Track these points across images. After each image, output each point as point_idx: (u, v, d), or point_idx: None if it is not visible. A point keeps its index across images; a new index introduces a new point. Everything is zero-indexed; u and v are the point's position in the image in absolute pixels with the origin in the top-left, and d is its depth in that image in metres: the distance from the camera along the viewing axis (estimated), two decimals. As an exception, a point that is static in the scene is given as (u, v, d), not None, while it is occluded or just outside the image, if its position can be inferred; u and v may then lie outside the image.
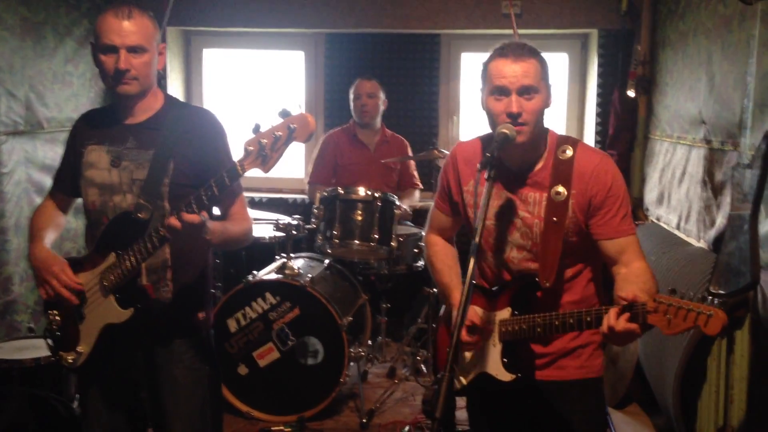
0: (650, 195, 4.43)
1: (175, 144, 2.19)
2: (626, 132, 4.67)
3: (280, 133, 1.91)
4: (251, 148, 1.92)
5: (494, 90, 2.03)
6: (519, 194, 2.12)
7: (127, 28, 2.12)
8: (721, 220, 3.21)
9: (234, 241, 2.27)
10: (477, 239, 1.85)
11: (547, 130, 2.15)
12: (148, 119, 2.25)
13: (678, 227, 3.86)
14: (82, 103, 4.36)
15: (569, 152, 2.08)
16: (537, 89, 2.01)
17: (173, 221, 1.94)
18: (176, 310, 2.25)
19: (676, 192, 3.94)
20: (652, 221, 4.35)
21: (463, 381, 2.18)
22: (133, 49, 2.14)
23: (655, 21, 4.49)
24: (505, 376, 2.08)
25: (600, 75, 4.91)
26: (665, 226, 4.09)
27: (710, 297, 1.64)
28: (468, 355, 2.16)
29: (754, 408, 2.80)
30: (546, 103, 2.06)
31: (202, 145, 2.22)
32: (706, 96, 3.47)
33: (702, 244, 3.48)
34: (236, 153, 2.00)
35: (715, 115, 3.34)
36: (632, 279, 1.98)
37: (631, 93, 4.61)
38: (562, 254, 2.08)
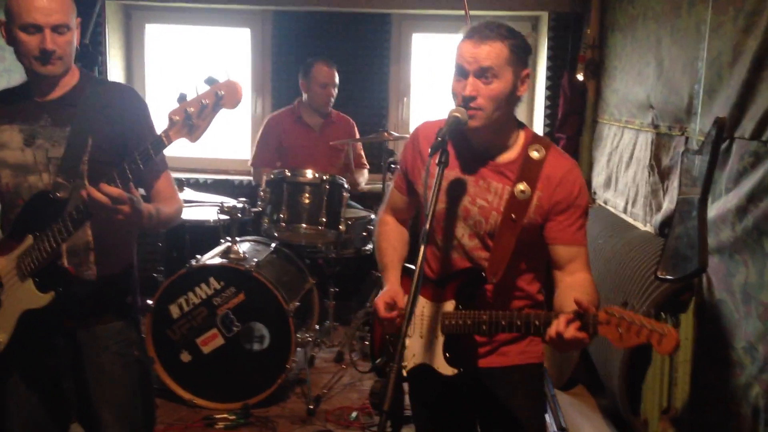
0: (598, 179, 4.46)
1: (93, 120, 2.10)
2: (575, 115, 4.68)
3: (207, 100, 1.85)
4: (176, 117, 1.85)
5: (455, 69, 1.96)
6: (482, 180, 2.06)
7: (50, 5, 2.00)
8: (667, 205, 3.24)
9: (166, 222, 2.18)
10: (428, 225, 1.80)
11: (521, 123, 2.09)
12: (63, 95, 2.14)
13: (625, 211, 3.89)
14: (14, 80, 4.12)
15: (540, 153, 2.02)
16: (496, 73, 1.91)
17: (92, 191, 1.83)
18: (101, 295, 2.15)
19: (623, 176, 3.97)
20: (599, 205, 4.38)
21: (403, 369, 2.14)
22: (57, 28, 2.02)
23: (605, 5, 4.49)
24: (447, 370, 2.04)
25: (550, 58, 4.91)
26: (612, 210, 4.12)
27: (663, 313, 1.64)
28: (409, 342, 2.11)
29: (698, 390, 2.84)
30: (510, 90, 1.95)
31: (122, 121, 2.12)
32: (654, 81, 3.48)
33: (648, 228, 3.51)
34: (163, 126, 1.92)
35: (663, 100, 3.36)
36: (577, 288, 1.95)
37: (580, 77, 4.62)
38: (515, 252, 2.03)
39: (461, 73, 1.94)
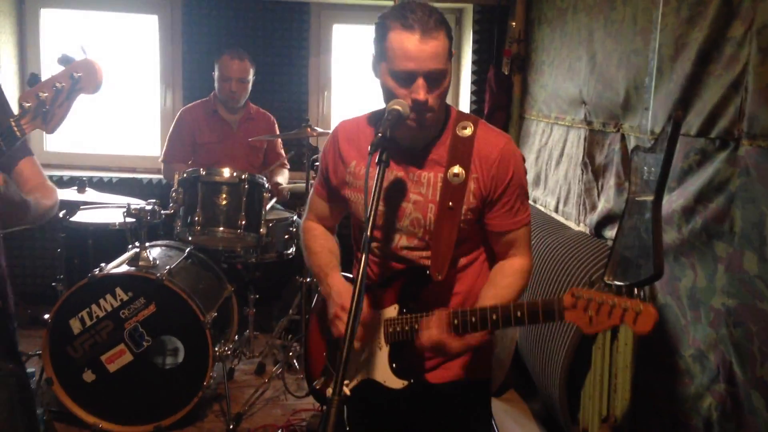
0: (526, 177, 4.34)
1: None
2: (502, 111, 4.56)
3: (62, 84, 1.62)
4: (28, 104, 1.61)
5: (398, 75, 1.74)
6: (411, 174, 1.90)
7: None
8: (603, 204, 3.13)
9: (45, 214, 1.87)
10: (368, 232, 1.59)
11: (447, 105, 1.93)
12: None
13: (556, 210, 3.78)
14: None
15: (469, 130, 1.88)
16: (445, 72, 1.76)
17: None
18: None
19: (553, 174, 3.86)
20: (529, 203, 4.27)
21: (345, 390, 1.92)
22: None
23: (531, -2, 4.39)
24: (396, 383, 1.85)
25: (475, 52, 4.78)
26: (542, 209, 4.01)
27: (636, 289, 1.46)
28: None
29: (640, 398, 2.73)
30: (451, 79, 1.83)
31: None
32: (587, 75, 3.38)
33: (582, 228, 3.40)
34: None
35: (596, 95, 3.25)
36: (500, 274, 1.92)
37: (505, 71, 4.51)
38: (457, 244, 1.88)
39: (409, 77, 1.73)
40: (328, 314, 1.91)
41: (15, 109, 1.68)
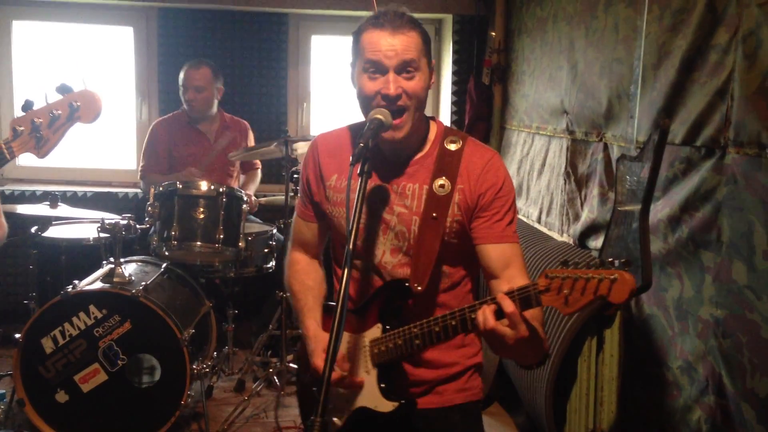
0: (508, 187, 4.30)
1: None
2: (482, 122, 4.53)
3: (59, 111, 1.67)
4: (21, 127, 1.63)
5: (367, 65, 1.73)
6: (395, 186, 1.84)
7: None
8: (587, 214, 3.11)
9: None
10: (350, 245, 1.53)
11: (431, 116, 1.91)
12: None
13: (539, 221, 3.75)
14: None
15: (457, 145, 1.85)
16: (418, 66, 1.73)
17: None
18: None
19: (535, 184, 3.83)
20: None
21: (338, 423, 1.85)
22: None
23: (510, 8, 4.38)
24: (386, 406, 1.77)
25: (455, 62, 4.75)
26: (525, 220, 3.98)
27: (611, 259, 1.35)
28: (341, 390, 1.83)
29: (627, 410, 2.69)
30: (429, 84, 1.79)
31: None
32: (568, 85, 3.36)
33: (565, 238, 3.37)
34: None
35: (578, 105, 3.23)
36: None
37: (486, 82, 4.49)
38: (441, 258, 1.82)
39: (377, 69, 1.72)
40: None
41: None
